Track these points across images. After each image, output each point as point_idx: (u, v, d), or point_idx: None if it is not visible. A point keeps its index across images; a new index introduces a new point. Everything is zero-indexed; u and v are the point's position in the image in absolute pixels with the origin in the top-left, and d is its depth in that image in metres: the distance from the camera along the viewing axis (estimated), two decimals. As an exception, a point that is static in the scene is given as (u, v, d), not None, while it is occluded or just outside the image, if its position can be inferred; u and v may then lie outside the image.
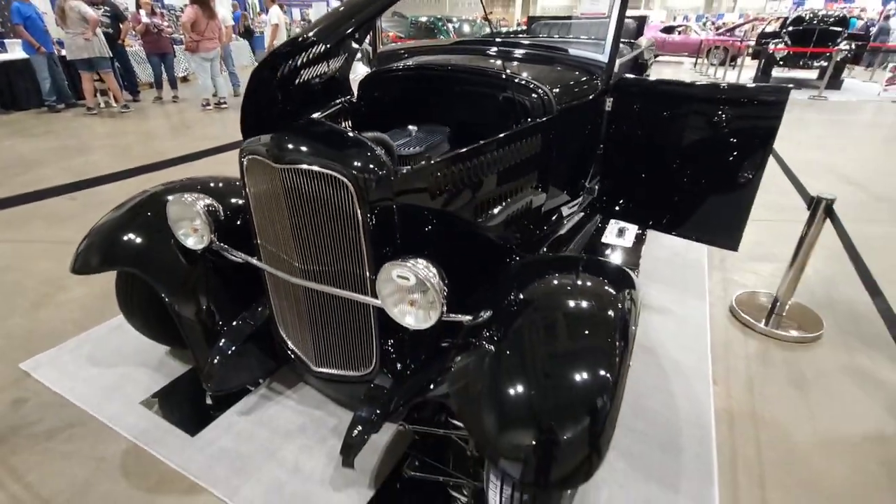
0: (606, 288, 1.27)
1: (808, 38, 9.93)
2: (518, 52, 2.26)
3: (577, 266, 1.39)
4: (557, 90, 1.86)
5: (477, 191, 1.56)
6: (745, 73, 10.91)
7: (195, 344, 1.62)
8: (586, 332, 1.12)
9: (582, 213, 2.63)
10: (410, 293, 1.19)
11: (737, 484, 1.52)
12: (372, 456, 1.57)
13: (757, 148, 1.80)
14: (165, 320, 1.77)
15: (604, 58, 1.99)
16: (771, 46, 10.16)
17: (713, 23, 19.20)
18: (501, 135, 1.60)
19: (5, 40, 7.68)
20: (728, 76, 11.25)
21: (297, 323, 1.59)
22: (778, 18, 13.59)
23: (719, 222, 2.01)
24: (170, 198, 1.57)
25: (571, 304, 1.19)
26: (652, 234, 3.08)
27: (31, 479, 1.49)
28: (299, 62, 1.58)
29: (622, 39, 3.29)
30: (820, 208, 2.04)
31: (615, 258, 2.44)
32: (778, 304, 2.31)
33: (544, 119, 1.78)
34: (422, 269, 1.15)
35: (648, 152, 2.10)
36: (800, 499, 1.48)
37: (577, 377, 1.02)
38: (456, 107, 2.02)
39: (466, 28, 11.31)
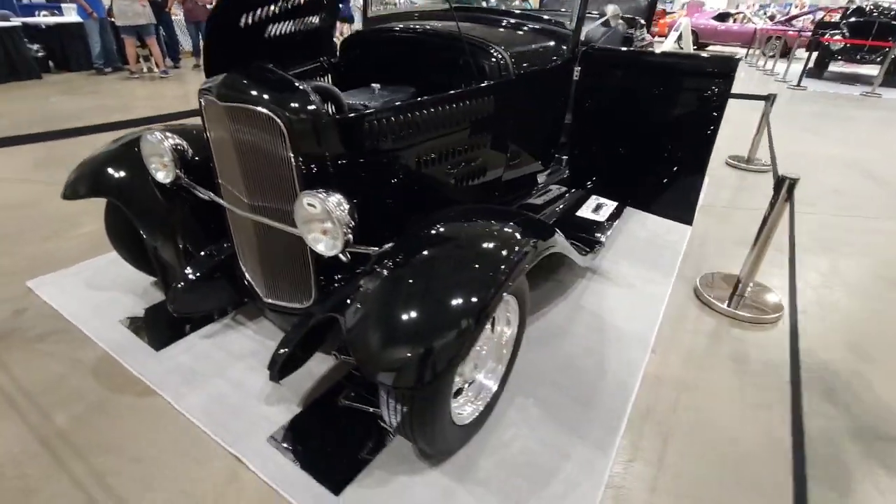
0: (512, 233, 1.35)
1: (868, 30, 9.28)
2: (497, 19, 2.31)
3: (495, 213, 1.48)
4: (517, 55, 1.91)
5: (419, 144, 1.65)
6: (796, 67, 10.27)
7: (162, 269, 1.82)
8: (474, 265, 1.22)
9: (560, 185, 2.67)
10: (321, 222, 1.32)
11: (641, 437, 1.58)
12: (307, 381, 1.73)
13: (707, 121, 1.80)
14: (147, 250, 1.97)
15: (570, 25, 2.02)
16: (826, 37, 9.56)
17: (766, 11, 17.93)
18: (450, 92, 1.68)
19: (62, 4, 8.22)
20: (779, 69, 10.63)
21: (251, 256, 1.75)
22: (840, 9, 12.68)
23: (674, 196, 2.03)
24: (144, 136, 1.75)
25: (469, 241, 1.29)
26: (639, 215, 3.08)
27: (17, 372, 1.73)
28: (266, 13, 1.71)
29: (631, 17, 3.25)
30: (783, 188, 2.02)
31: (583, 231, 2.48)
32: (740, 284, 2.30)
33: (500, 82, 1.85)
34: (331, 201, 1.27)
35: (612, 124, 2.12)
36: (695, 454, 1.53)
37: (450, 302, 1.13)
38: (423, 69, 2.10)
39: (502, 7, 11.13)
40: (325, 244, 1.34)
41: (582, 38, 2.07)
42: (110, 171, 1.82)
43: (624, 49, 2.06)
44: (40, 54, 7.40)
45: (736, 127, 5.54)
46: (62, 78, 7.33)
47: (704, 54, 1.77)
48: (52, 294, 2.15)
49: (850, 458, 1.55)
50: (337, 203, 1.27)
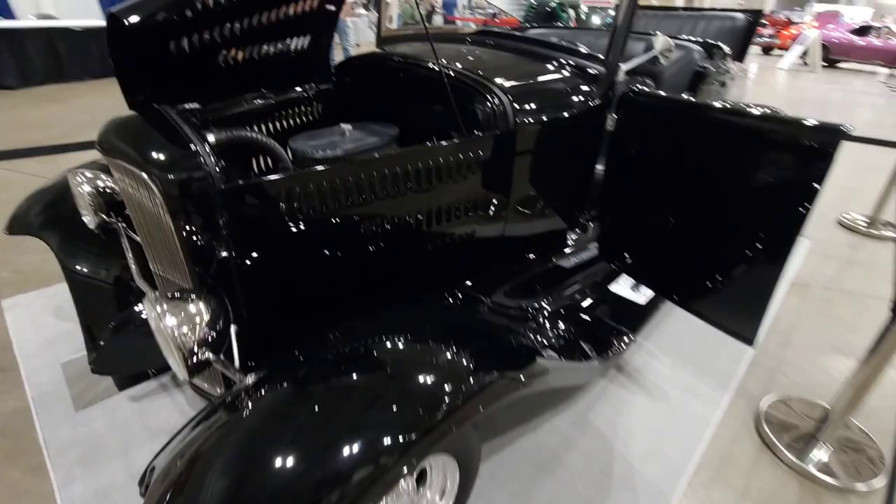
0: (460, 364, 0.94)
1: None
2: (524, 48, 1.85)
3: (442, 327, 1.07)
4: (524, 98, 1.46)
5: (367, 219, 1.28)
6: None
7: (84, 319, 1.61)
8: (372, 415, 0.83)
9: (591, 252, 2.14)
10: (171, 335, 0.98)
11: None
12: (211, 486, 1.42)
13: (787, 214, 1.22)
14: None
15: (602, 63, 1.52)
16: None
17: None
18: (415, 147, 1.29)
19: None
20: (929, 96, 8.78)
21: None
22: None
23: (734, 303, 1.45)
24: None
25: (378, 373, 0.91)
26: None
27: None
28: (214, 35, 1.41)
29: (711, 43, 2.58)
30: (907, 313, 1.36)
31: (613, 315, 1.94)
32: (827, 421, 1.64)
33: (493, 134, 1.41)
34: (176, 317, 0.93)
35: (656, 191, 1.58)
36: None
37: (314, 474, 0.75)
38: (414, 106, 1.71)
39: (596, 19, 10.32)
40: (173, 362, 1.00)
41: (625, 69, 1.55)
42: (43, 208, 1.66)
43: (677, 97, 1.51)
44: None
45: (858, 174, 4.48)
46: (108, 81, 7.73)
47: (796, 116, 1.20)
48: (15, 318, 2.06)
49: None
50: (186, 318, 0.93)
